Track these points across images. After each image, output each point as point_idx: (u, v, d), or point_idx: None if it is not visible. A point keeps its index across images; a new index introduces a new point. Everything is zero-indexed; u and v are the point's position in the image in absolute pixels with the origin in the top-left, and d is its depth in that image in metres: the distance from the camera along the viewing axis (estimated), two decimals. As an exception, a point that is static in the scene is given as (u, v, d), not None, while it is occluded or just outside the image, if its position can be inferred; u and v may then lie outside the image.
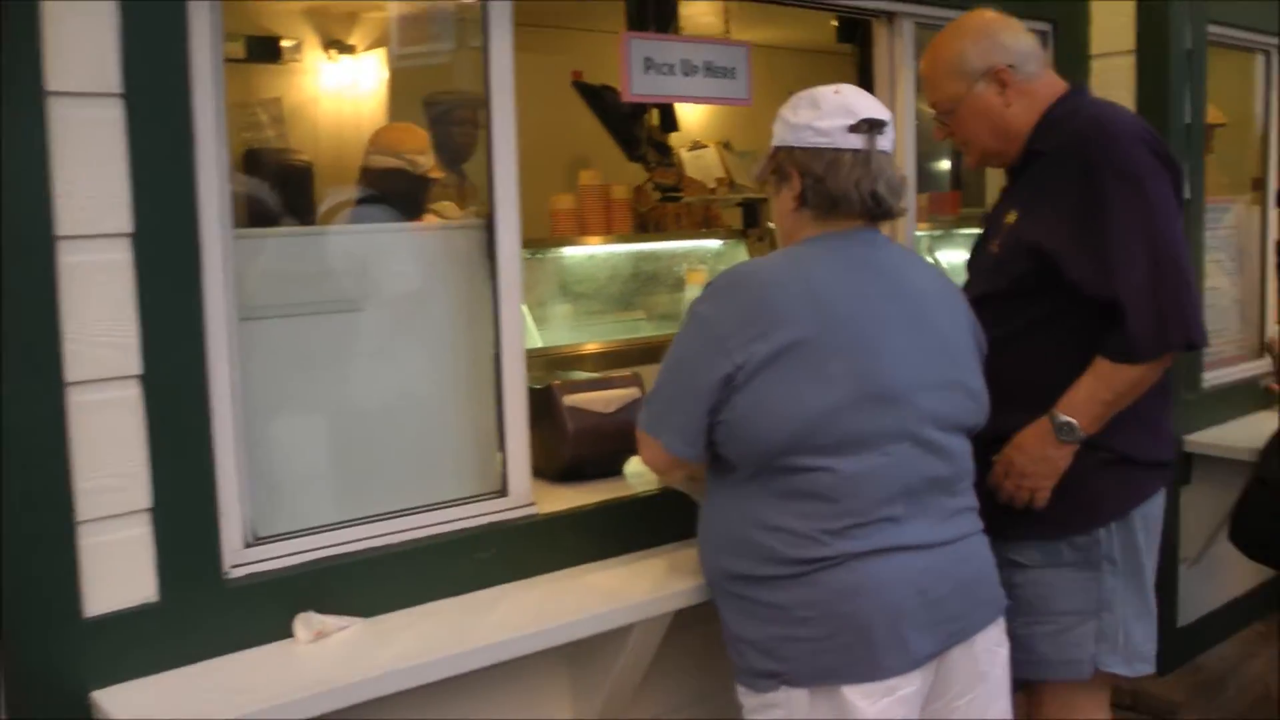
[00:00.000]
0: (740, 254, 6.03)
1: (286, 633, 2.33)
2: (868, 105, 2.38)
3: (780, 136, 2.42)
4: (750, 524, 2.31)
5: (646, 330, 5.56)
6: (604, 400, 2.96)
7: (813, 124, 2.35)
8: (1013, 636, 2.71)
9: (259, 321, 2.42)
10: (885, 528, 2.27)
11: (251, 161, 5.71)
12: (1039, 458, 2.67)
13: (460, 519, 2.61)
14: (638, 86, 2.85)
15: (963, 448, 2.43)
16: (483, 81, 2.62)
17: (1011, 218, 2.76)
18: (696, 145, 6.78)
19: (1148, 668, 2.82)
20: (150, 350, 2.15)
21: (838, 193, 2.35)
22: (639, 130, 6.03)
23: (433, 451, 2.70)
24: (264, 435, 2.43)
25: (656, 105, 6.13)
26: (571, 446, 2.95)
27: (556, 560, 2.70)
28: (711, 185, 6.26)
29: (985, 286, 2.77)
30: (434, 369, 2.70)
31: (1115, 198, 2.57)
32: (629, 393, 2.99)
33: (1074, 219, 2.61)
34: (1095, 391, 2.62)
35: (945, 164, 7.05)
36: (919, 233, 4.97)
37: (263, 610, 2.32)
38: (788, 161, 2.41)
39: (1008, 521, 2.72)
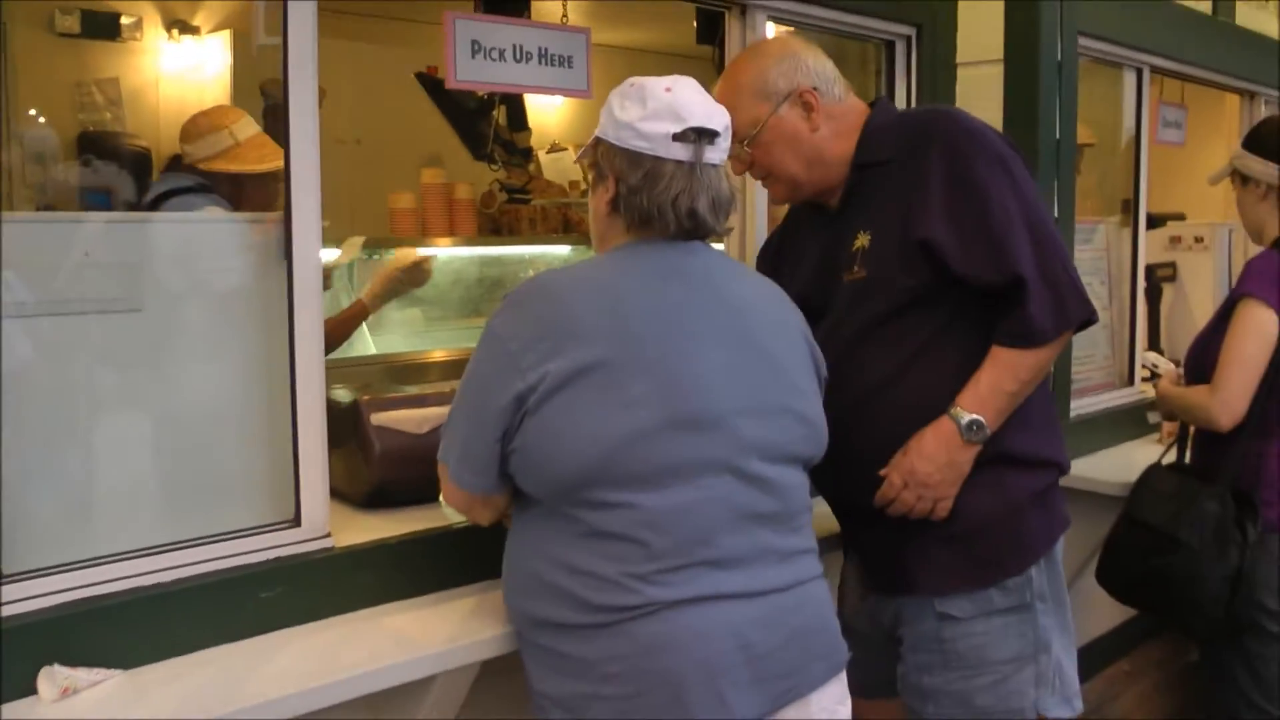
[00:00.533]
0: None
1: (31, 690, 2.00)
2: (701, 110, 2.12)
3: (603, 128, 2.17)
4: (552, 565, 2.06)
5: (492, 339, 5.28)
6: (416, 420, 2.67)
7: (635, 125, 2.10)
8: (947, 691, 2.54)
9: (10, 321, 2.09)
10: (703, 572, 2.02)
11: (85, 145, 5.42)
12: (945, 464, 2.44)
13: (243, 553, 2.29)
14: (463, 72, 2.56)
15: (795, 481, 2.19)
16: (281, 60, 2.31)
17: (863, 240, 2.55)
18: (555, 147, 6.55)
19: (1080, 704, 2.64)
20: None
21: (650, 208, 2.11)
22: (485, 128, 5.74)
23: (217, 475, 2.37)
24: (13, 455, 2.09)
25: (504, 102, 5.84)
26: (377, 470, 2.65)
27: (353, 600, 2.40)
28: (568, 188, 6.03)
29: (861, 318, 2.54)
30: (222, 380, 2.38)
31: (988, 180, 2.41)
32: (445, 411, 2.70)
33: (949, 210, 2.43)
34: (999, 383, 2.43)
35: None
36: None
37: (2, 664, 1.98)
38: (606, 160, 2.17)
39: (932, 574, 2.54)
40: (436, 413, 2.66)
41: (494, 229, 5.65)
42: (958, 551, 2.53)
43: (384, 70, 6.02)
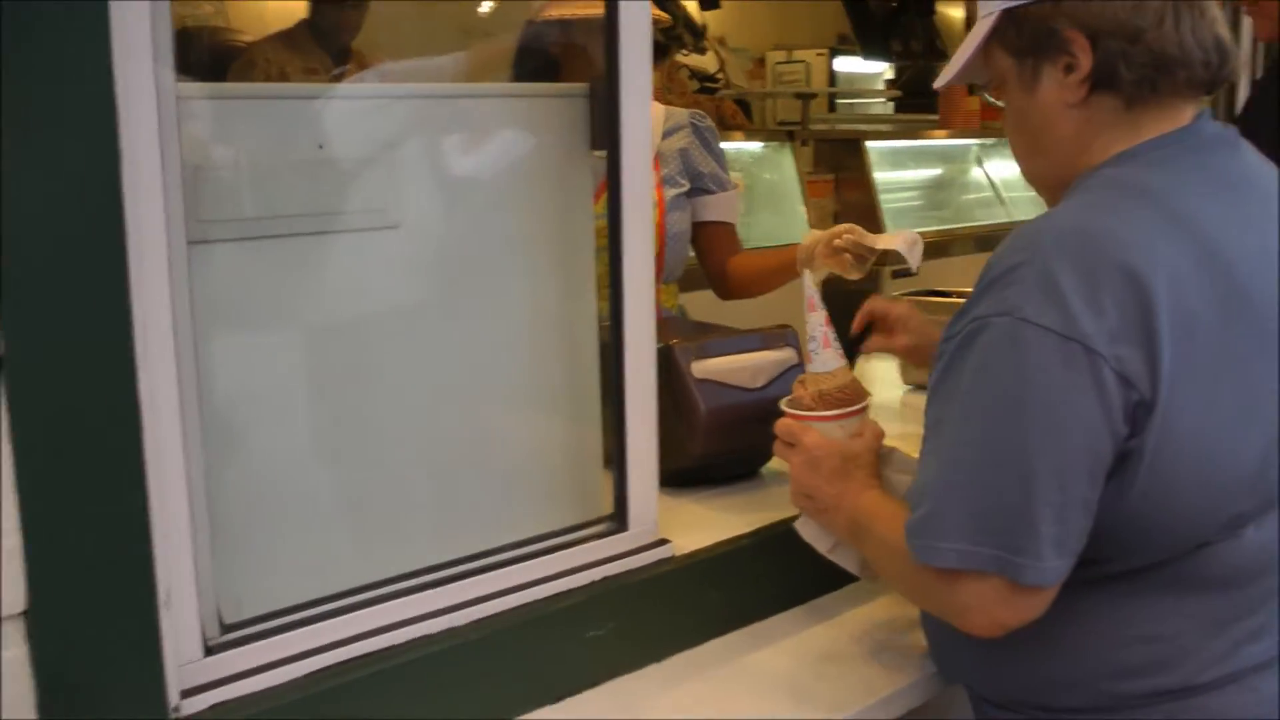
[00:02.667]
0: (785, 160, 5.01)
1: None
2: None
3: None
4: (1106, 637, 1.37)
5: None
6: (750, 369, 1.94)
7: None
8: None
9: (219, 246, 1.39)
10: (1269, 621, 1.39)
11: (185, 42, 4.78)
12: None
13: (558, 574, 1.58)
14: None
15: None
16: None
17: None
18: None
19: None
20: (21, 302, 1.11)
21: (1169, 48, 1.34)
22: (673, 7, 4.95)
23: (506, 460, 1.67)
24: (231, 448, 1.40)
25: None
26: (702, 439, 1.92)
27: (696, 631, 1.69)
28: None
29: None
30: (505, 326, 1.67)
31: None
32: (782, 357, 1.98)
33: None
34: None
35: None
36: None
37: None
38: (1058, 21, 1.38)
39: None
40: (772, 359, 1.97)
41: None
42: None
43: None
